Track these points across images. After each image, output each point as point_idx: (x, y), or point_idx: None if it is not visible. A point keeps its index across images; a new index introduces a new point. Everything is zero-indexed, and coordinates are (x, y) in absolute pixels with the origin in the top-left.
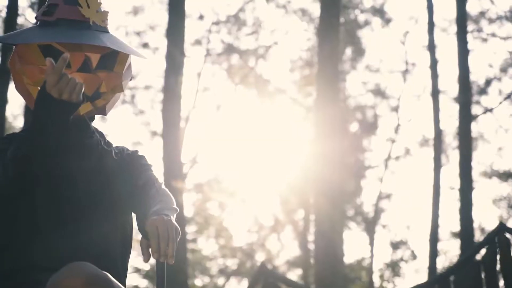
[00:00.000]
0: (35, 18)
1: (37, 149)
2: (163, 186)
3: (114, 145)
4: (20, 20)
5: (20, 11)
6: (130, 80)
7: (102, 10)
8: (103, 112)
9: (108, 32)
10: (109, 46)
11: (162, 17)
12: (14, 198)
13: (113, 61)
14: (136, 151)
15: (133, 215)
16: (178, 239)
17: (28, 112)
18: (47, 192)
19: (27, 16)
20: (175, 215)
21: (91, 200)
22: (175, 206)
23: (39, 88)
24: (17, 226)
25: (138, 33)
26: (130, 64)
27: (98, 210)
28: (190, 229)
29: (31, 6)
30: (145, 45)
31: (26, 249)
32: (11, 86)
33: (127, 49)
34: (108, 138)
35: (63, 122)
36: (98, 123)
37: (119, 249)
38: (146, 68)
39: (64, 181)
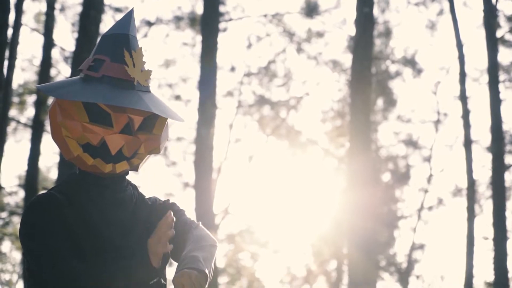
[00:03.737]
0: (79, 69)
1: None
2: (200, 225)
3: (146, 197)
4: (53, 72)
5: (54, 63)
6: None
7: (146, 69)
8: (135, 169)
9: (150, 91)
10: (154, 111)
11: (194, 70)
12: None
13: (153, 123)
14: (168, 200)
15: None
16: (205, 286)
17: (63, 165)
18: (84, 246)
19: (60, 68)
20: (212, 250)
21: (127, 252)
22: (208, 242)
23: (77, 142)
24: (55, 275)
25: (170, 85)
26: (167, 125)
27: (134, 261)
28: (222, 280)
29: (65, 59)
30: (177, 97)
31: None
32: (44, 139)
33: (168, 113)
34: (140, 190)
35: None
36: (130, 174)
37: None
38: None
39: (101, 235)
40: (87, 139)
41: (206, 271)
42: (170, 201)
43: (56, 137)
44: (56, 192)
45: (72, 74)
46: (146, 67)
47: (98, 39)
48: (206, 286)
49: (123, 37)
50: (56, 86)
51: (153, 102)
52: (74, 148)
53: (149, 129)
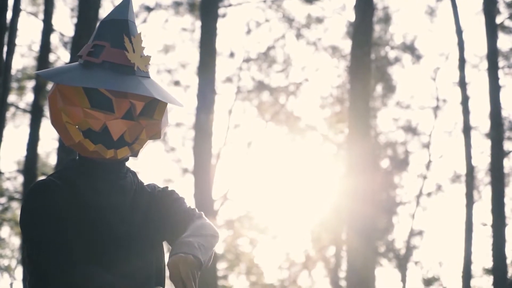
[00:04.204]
0: (79, 55)
1: None
2: (203, 215)
3: (145, 183)
4: (52, 58)
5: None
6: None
7: (145, 55)
8: (135, 154)
9: (149, 77)
10: (155, 96)
11: (193, 55)
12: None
13: (153, 108)
14: (166, 187)
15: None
16: (199, 272)
17: (62, 150)
18: (84, 233)
19: (60, 54)
20: (211, 241)
21: (126, 238)
22: (209, 232)
23: (78, 128)
24: (55, 263)
25: (169, 71)
26: (167, 110)
27: (133, 247)
28: (221, 265)
29: (64, 45)
30: (177, 83)
31: (64, 286)
32: (43, 124)
33: (169, 98)
34: (139, 176)
35: None
36: (130, 160)
37: (153, 283)
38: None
39: (101, 221)
40: (89, 125)
41: (201, 257)
42: (169, 188)
43: (56, 123)
44: (55, 178)
45: (71, 60)
46: (145, 52)
47: (97, 24)
48: (199, 273)
49: (122, 23)
50: (56, 72)
51: (153, 87)
52: (75, 134)
53: (150, 114)
